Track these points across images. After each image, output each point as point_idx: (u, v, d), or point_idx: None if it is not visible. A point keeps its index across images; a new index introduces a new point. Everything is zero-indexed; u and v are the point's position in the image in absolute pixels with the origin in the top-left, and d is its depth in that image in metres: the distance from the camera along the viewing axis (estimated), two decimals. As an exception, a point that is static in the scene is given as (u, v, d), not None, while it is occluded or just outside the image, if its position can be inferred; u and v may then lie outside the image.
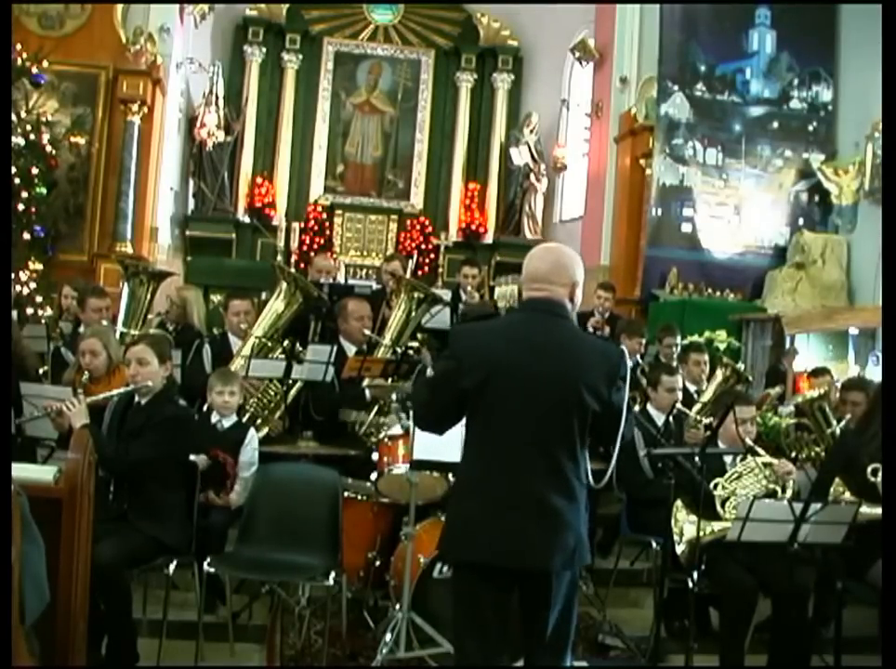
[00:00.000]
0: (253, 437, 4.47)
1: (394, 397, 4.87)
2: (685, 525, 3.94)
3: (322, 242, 12.04)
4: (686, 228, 8.94)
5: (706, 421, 4.78)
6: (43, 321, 6.83)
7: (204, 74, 11.19)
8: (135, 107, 9.08)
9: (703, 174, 8.95)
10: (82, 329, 5.40)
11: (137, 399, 3.87)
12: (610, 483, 5.04)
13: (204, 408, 4.56)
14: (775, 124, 9.14)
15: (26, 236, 7.94)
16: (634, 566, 5.17)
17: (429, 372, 2.93)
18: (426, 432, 3.07)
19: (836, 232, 8.80)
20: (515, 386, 2.64)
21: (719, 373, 5.78)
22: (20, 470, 2.63)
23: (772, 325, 7.86)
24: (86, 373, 4.33)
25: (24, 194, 7.88)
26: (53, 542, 2.75)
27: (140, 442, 3.69)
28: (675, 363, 6.05)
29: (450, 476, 3.86)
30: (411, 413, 2.84)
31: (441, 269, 12.20)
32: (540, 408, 2.64)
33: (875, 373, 6.51)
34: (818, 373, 6.07)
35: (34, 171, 8.03)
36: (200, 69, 11.10)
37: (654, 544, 4.47)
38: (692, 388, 5.78)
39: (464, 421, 2.80)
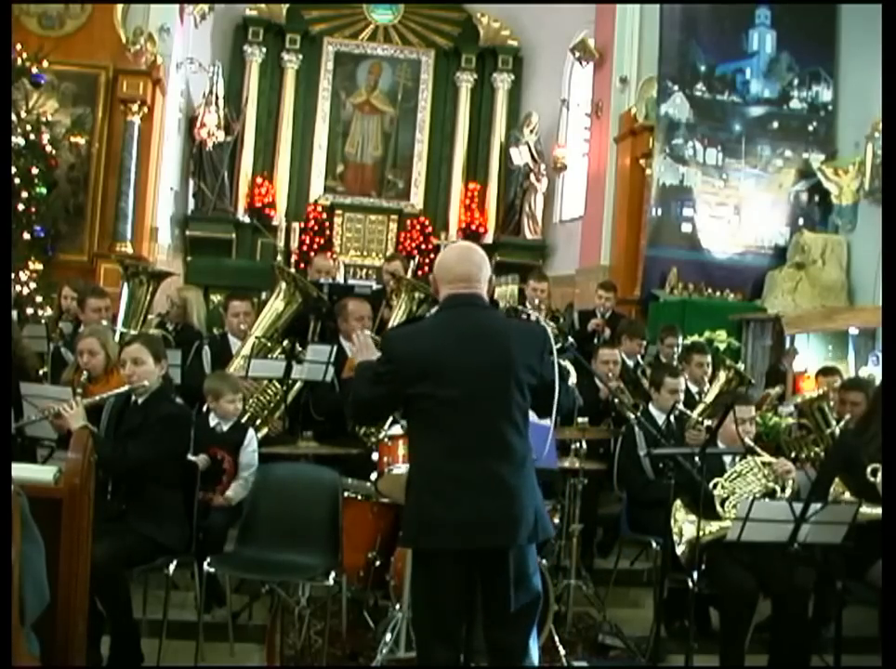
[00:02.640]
0: (252, 438, 4.48)
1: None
2: (685, 525, 3.94)
3: (322, 242, 12.03)
4: (686, 228, 8.93)
5: (707, 423, 4.78)
6: (43, 321, 6.82)
7: (204, 74, 11.19)
8: (135, 107, 9.08)
9: (703, 174, 8.94)
10: (82, 329, 5.39)
11: (133, 398, 3.86)
12: (610, 483, 5.08)
13: (203, 409, 4.56)
14: (775, 124, 9.13)
15: (26, 236, 7.93)
16: (634, 566, 5.17)
17: (361, 370, 3.03)
18: (360, 424, 3.22)
19: (837, 232, 8.79)
20: (456, 379, 2.78)
21: (722, 376, 5.78)
22: (20, 470, 2.63)
23: (772, 325, 7.86)
24: (85, 372, 4.33)
25: (24, 194, 7.87)
26: (53, 542, 2.75)
27: (138, 442, 3.68)
28: (675, 363, 6.05)
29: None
30: (347, 406, 3.03)
31: (440, 270, 12.17)
32: (483, 394, 2.80)
33: (875, 373, 6.50)
34: (827, 372, 6.01)
35: (34, 171, 8.02)
36: (200, 69, 11.10)
37: (654, 544, 4.47)
38: (694, 389, 5.77)
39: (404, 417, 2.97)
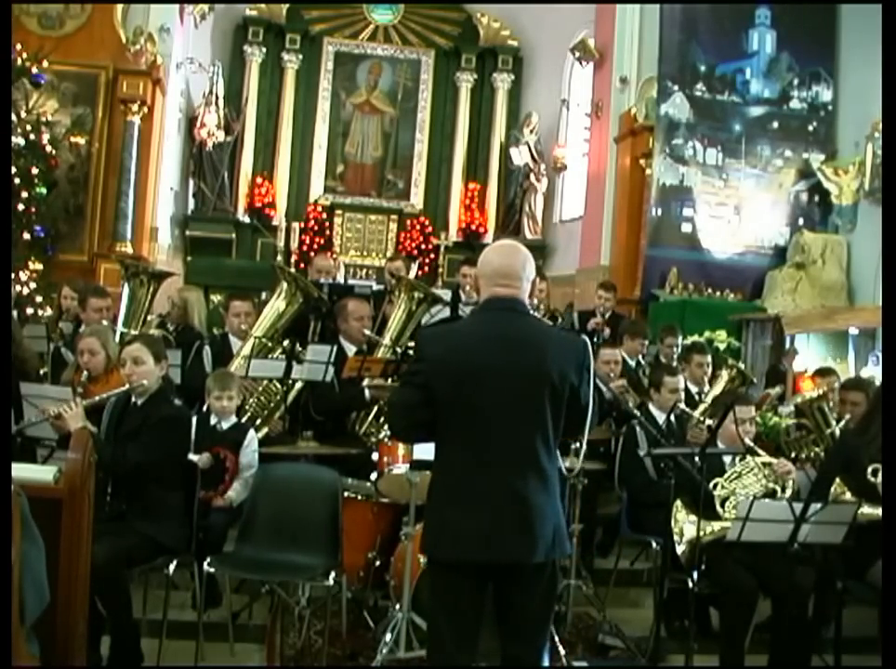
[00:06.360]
0: (252, 438, 4.47)
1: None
2: (685, 525, 3.94)
3: (322, 242, 12.04)
4: (686, 228, 8.93)
5: (709, 422, 4.78)
6: (43, 321, 6.82)
7: (204, 74, 11.19)
8: (135, 107, 9.09)
9: (703, 174, 8.95)
10: (82, 329, 5.39)
11: (133, 399, 3.86)
12: (610, 483, 5.08)
13: (204, 409, 4.56)
14: (775, 124, 9.14)
15: (26, 236, 7.94)
16: (634, 566, 5.17)
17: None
18: (402, 440, 3.20)
19: (837, 232, 8.79)
20: (488, 385, 2.67)
21: (724, 374, 5.78)
22: (20, 470, 2.63)
23: (772, 325, 7.86)
24: (85, 372, 4.33)
25: (24, 194, 7.88)
26: (53, 542, 2.75)
27: (138, 444, 3.68)
28: (675, 364, 6.05)
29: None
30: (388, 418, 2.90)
31: (441, 269, 12.20)
32: (514, 404, 2.68)
33: (875, 373, 6.50)
34: (824, 373, 6.01)
35: (34, 171, 8.03)
36: (200, 69, 11.10)
37: (654, 544, 4.47)
38: (694, 389, 5.77)
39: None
